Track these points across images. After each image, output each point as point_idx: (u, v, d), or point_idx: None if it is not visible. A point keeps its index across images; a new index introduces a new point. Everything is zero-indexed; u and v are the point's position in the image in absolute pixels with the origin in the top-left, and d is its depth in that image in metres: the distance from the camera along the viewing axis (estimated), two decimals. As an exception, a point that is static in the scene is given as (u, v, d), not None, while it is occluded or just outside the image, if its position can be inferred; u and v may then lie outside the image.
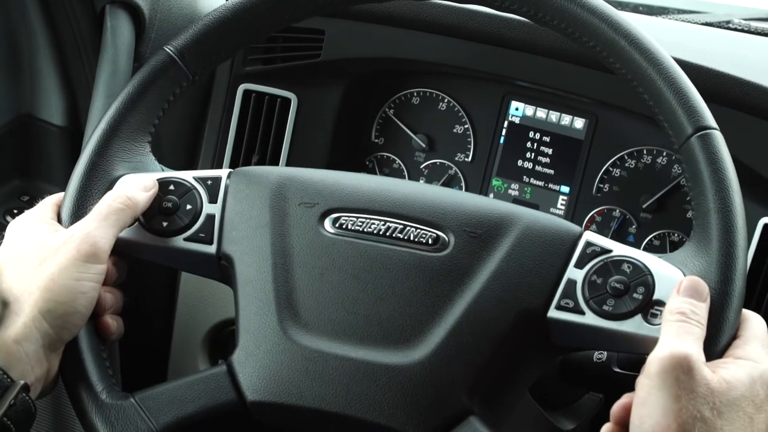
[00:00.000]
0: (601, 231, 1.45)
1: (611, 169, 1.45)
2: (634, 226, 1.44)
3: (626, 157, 1.44)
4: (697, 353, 0.86)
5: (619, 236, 1.44)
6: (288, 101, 1.52)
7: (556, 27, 1.06)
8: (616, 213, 1.44)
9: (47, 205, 1.08)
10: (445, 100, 1.53)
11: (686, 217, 1.40)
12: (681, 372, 0.84)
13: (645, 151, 1.43)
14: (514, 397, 1.03)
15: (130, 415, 0.98)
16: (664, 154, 1.42)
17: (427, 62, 1.48)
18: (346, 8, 1.15)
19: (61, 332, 0.96)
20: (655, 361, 0.86)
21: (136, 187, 1.05)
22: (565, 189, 1.48)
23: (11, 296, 0.96)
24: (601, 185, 1.45)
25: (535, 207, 1.49)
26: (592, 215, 1.46)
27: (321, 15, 1.16)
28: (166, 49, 1.11)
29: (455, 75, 1.51)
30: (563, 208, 1.48)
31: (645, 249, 1.42)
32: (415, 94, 1.55)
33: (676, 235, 1.41)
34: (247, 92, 1.53)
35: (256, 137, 1.54)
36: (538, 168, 1.49)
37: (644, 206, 1.42)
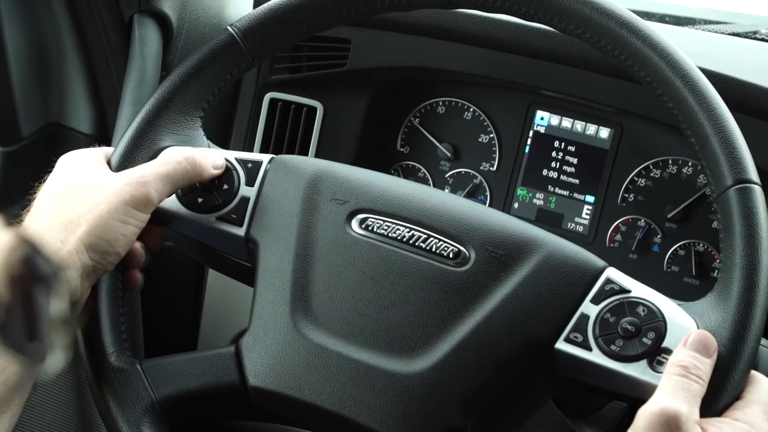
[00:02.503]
0: (626, 241, 1.45)
1: (636, 178, 1.45)
2: (659, 236, 1.43)
3: (651, 167, 1.44)
4: (688, 412, 0.85)
5: (644, 246, 1.44)
6: (314, 110, 1.53)
7: (609, 52, 1.05)
8: (641, 223, 1.44)
9: (98, 151, 1.10)
10: (471, 110, 1.54)
11: (711, 227, 1.40)
12: (668, 430, 0.83)
13: (670, 161, 1.43)
14: (513, 423, 1.02)
15: (133, 381, 1.00)
16: (690, 164, 1.41)
17: (452, 71, 1.48)
18: (406, 11, 1.15)
19: (97, 266, 0.99)
20: (644, 415, 0.85)
21: (208, 158, 1.08)
22: (590, 198, 1.48)
23: (59, 224, 0.99)
24: (626, 195, 1.45)
25: (560, 216, 1.49)
26: (617, 225, 1.46)
27: (383, 13, 1.16)
28: (230, 29, 1.12)
29: (481, 84, 1.51)
30: (588, 217, 1.48)
31: (670, 259, 1.42)
32: (441, 103, 1.55)
33: (701, 245, 1.40)
34: (273, 101, 1.54)
35: (282, 145, 1.54)
36: (563, 177, 1.49)
37: (669, 216, 1.42)
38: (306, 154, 1.53)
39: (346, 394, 0.97)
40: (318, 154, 1.53)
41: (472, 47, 1.44)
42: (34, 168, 1.49)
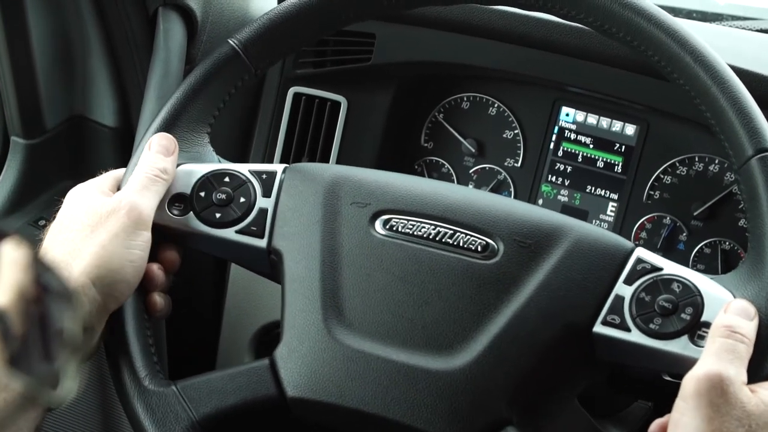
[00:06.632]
0: (651, 238, 1.44)
1: (662, 176, 1.44)
2: (684, 234, 1.42)
3: (678, 164, 1.43)
4: (734, 373, 0.85)
5: (670, 244, 1.43)
6: (338, 104, 1.53)
7: (621, 39, 1.05)
8: (667, 220, 1.43)
9: (108, 176, 1.09)
10: (495, 105, 1.53)
11: (738, 226, 1.39)
12: (715, 394, 0.83)
13: (697, 159, 1.41)
14: (555, 410, 1.02)
15: (171, 403, 0.99)
16: (716, 161, 1.40)
17: (477, 67, 1.48)
18: (406, 11, 1.15)
19: (108, 300, 0.98)
20: (690, 381, 0.85)
21: (157, 155, 1.07)
22: (615, 196, 1.47)
23: (61, 262, 0.96)
24: (652, 192, 1.44)
25: (585, 213, 1.48)
26: (642, 222, 1.45)
27: (382, 15, 1.16)
28: (231, 42, 1.12)
29: (506, 80, 1.51)
30: (613, 214, 1.47)
31: (696, 257, 1.41)
32: (465, 98, 1.55)
33: (727, 243, 1.39)
34: (297, 95, 1.54)
35: (306, 140, 1.54)
36: (588, 174, 1.48)
37: (695, 214, 1.41)
38: (329, 149, 1.53)
39: (389, 396, 0.96)
40: (341, 149, 1.53)
41: (498, 43, 1.44)
42: (58, 161, 1.50)
